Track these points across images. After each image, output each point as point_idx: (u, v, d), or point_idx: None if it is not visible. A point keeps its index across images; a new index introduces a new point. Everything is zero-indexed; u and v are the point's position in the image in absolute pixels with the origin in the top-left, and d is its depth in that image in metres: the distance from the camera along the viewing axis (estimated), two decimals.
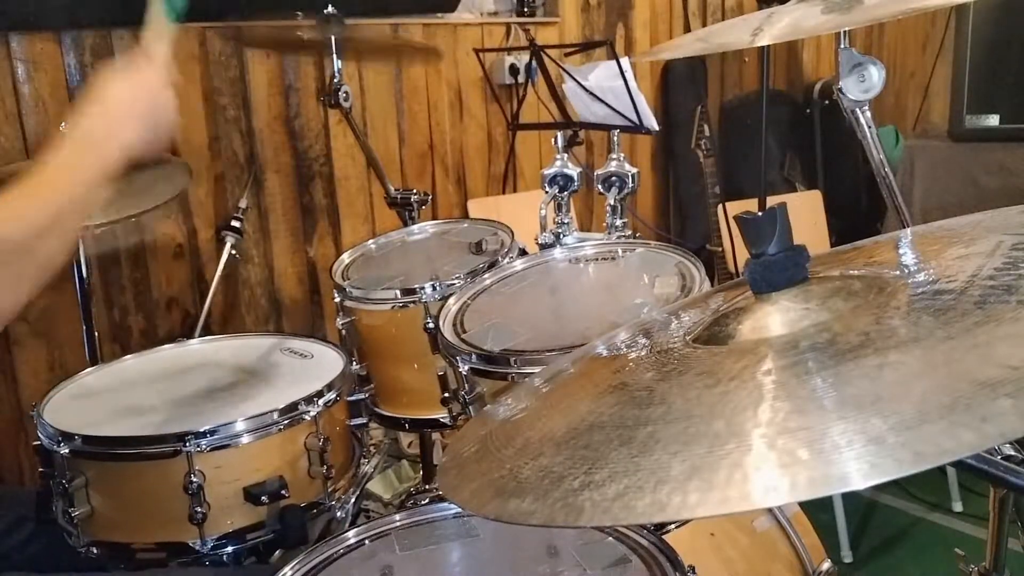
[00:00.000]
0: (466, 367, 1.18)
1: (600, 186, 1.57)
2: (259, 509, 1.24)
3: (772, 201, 0.68)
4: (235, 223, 2.38)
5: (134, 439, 1.21)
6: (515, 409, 0.74)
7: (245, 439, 1.23)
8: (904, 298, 0.62)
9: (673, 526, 1.12)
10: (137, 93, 1.02)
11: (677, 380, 0.63)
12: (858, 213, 3.59)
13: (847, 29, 1.04)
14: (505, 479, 0.58)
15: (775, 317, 0.65)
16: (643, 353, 0.75)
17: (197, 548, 1.22)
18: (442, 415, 1.47)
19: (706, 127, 2.91)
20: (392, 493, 2.24)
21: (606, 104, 2.40)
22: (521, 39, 2.95)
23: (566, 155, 1.61)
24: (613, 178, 1.55)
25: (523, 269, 1.46)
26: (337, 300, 1.62)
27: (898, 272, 0.70)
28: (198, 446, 1.19)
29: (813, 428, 0.48)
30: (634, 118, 2.34)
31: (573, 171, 1.58)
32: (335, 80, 2.03)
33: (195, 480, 1.19)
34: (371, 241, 1.84)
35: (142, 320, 2.35)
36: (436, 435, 1.94)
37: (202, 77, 2.36)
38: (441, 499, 1.13)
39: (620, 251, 1.46)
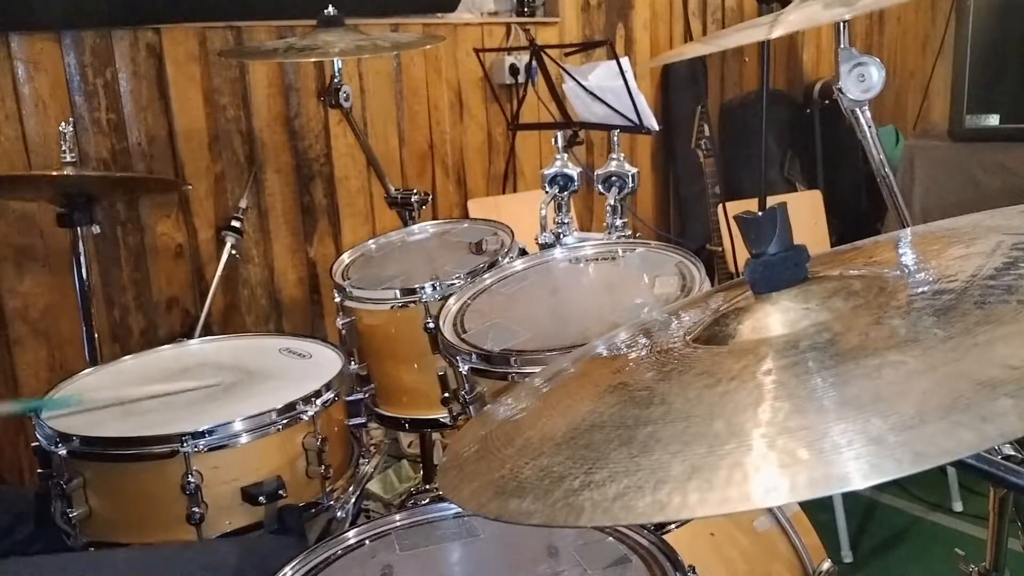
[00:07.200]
0: (466, 367, 1.18)
1: (600, 186, 1.56)
2: (257, 509, 1.24)
3: (772, 201, 0.68)
4: (235, 223, 2.39)
5: (131, 439, 1.21)
6: (515, 409, 0.74)
7: (243, 439, 1.23)
8: (904, 298, 0.62)
9: (673, 526, 1.12)
10: None
11: (677, 380, 0.62)
12: (858, 213, 3.59)
13: (847, 19, 1.03)
14: (505, 479, 0.58)
15: (775, 317, 0.65)
16: (643, 353, 0.74)
17: None
18: (442, 415, 1.47)
19: (706, 127, 2.91)
20: (392, 493, 2.24)
21: (606, 104, 2.40)
22: (521, 39, 2.95)
23: (566, 155, 1.60)
24: (613, 178, 1.55)
25: (523, 269, 1.46)
26: (337, 300, 1.62)
27: (898, 272, 0.69)
28: (196, 446, 1.19)
29: (813, 428, 0.48)
30: (634, 118, 2.34)
31: (573, 171, 1.58)
32: (335, 80, 2.03)
33: (193, 480, 1.19)
34: (371, 241, 1.84)
35: (142, 320, 2.34)
36: (436, 435, 1.94)
37: (202, 77, 2.36)
38: (441, 499, 1.13)
39: (620, 251, 1.46)
